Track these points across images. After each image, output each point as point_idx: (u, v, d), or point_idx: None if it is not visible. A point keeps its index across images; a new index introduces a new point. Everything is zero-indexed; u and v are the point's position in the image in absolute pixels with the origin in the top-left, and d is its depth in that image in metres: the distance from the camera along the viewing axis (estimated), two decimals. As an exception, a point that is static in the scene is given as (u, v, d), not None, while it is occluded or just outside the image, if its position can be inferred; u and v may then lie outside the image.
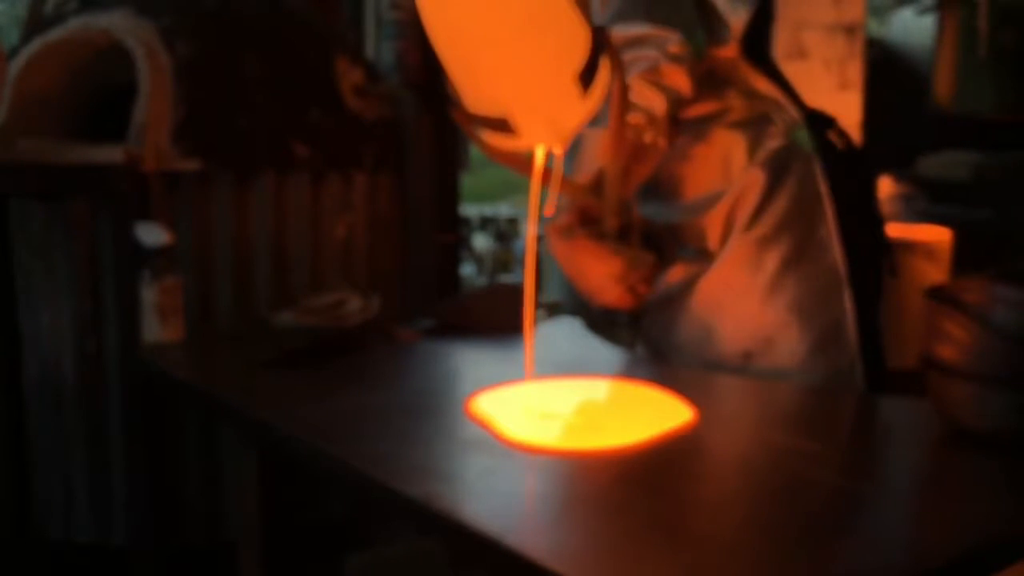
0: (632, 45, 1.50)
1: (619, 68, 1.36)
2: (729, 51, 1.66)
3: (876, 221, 1.74)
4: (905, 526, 1.14)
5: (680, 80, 1.52)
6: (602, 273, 1.60)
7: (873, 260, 1.70)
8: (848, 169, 1.67)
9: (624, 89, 1.39)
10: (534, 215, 1.44)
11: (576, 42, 1.27)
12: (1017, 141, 4.26)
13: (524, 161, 1.39)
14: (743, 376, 1.62)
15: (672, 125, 1.49)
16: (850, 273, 1.61)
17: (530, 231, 1.45)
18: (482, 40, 1.23)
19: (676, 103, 1.53)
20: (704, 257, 1.66)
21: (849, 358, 1.61)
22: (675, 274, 1.67)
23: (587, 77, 1.28)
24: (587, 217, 1.57)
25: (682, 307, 1.67)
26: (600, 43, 1.29)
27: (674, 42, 1.51)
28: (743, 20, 1.63)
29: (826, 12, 3.87)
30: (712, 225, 1.64)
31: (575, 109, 1.30)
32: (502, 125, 1.29)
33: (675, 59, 1.51)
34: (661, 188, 1.67)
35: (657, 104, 1.50)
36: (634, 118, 1.48)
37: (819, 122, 1.68)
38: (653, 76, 1.49)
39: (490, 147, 1.36)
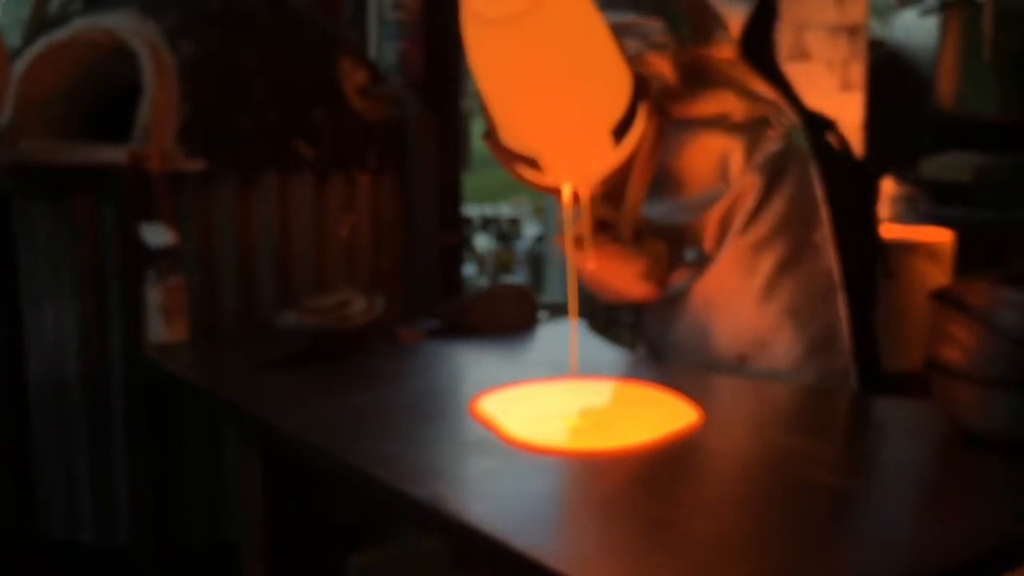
0: (616, 33, 1.51)
1: (655, 112, 1.37)
2: (727, 52, 1.65)
3: (873, 223, 1.74)
4: (910, 528, 1.14)
5: (664, 68, 1.54)
6: (629, 274, 1.62)
7: (869, 263, 1.69)
8: (846, 172, 1.67)
9: (659, 128, 1.40)
10: (570, 242, 1.46)
11: (617, 94, 1.28)
12: (1020, 142, 4.26)
13: (554, 188, 1.40)
14: (746, 377, 1.61)
15: (660, 115, 1.49)
16: (845, 277, 1.61)
17: (568, 255, 1.47)
18: (527, 85, 1.23)
19: (661, 92, 1.53)
20: (704, 259, 1.66)
21: (843, 362, 1.61)
22: (677, 276, 1.67)
23: (621, 131, 1.29)
24: (601, 224, 1.58)
25: (679, 308, 1.67)
26: (640, 93, 1.30)
27: (657, 31, 1.53)
28: (741, 20, 1.62)
29: (829, 13, 3.87)
30: (708, 227, 1.64)
31: (605, 158, 1.33)
32: (532, 162, 1.31)
33: (658, 47, 1.52)
34: (661, 190, 1.67)
35: None
36: None
37: (817, 125, 1.68)
38: (637, 65, 1.50)
39: (519, 176, 1.38)
